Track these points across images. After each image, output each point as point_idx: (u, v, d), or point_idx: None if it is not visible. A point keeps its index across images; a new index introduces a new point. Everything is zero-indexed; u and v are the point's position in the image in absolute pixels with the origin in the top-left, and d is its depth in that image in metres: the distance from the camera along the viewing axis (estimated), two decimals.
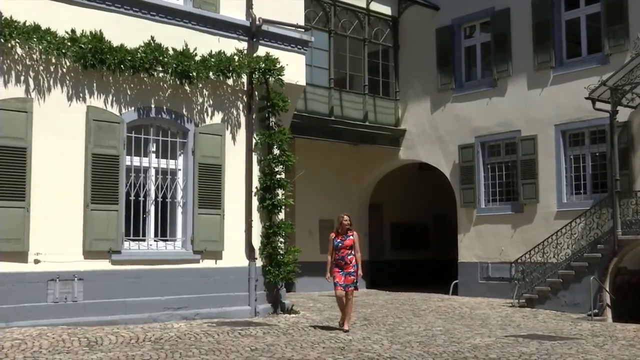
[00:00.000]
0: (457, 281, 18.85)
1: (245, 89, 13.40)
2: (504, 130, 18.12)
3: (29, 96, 10.81)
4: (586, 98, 15.08)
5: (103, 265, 11.37)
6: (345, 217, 11.37)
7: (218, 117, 13.01)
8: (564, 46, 17.33)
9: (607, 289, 14.64)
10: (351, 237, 11.31)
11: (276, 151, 13.58)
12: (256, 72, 13.25)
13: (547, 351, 9.65)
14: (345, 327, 11.27)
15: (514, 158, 17.99)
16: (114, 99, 11.73)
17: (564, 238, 16.09)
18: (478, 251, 18.45)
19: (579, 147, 16.97)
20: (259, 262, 13.20)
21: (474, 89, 18.89)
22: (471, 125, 18.72)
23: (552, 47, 17.23)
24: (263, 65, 13.23)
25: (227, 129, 13.10)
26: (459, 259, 18.99)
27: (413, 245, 23.34)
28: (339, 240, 11.28)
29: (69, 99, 11.25)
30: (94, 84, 11.51)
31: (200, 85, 12.75)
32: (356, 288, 11.41)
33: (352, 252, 11.26)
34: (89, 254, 11.21)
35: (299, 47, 14.18)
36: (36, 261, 10.63)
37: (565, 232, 16.06)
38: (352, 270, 11.18)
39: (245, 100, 13.40)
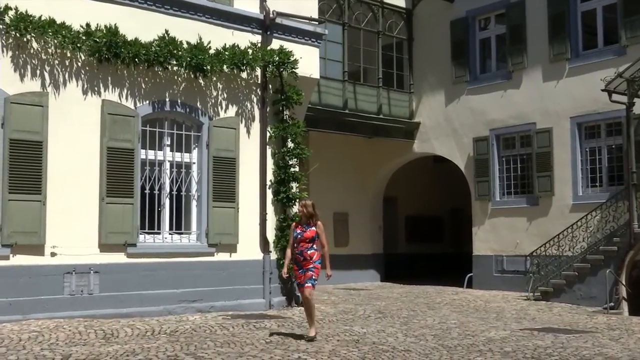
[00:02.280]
0: (471, 274, 18.81)
1: (259, 82, 13.41)
2: (519, 122, 18.02)
3: (45, 90, 10.88)
4: (602, 90, 14.96)
5: (119, 258, 11.44)
6: (308, 203, 9.73)
7: (232, 111, 13.03)
8: (579, 37, 17.18)
9: (623, 282, 14.55)
10: (314, 228, 9.56)
11: (290, 144, 13.59)
12: (270, 65, 13.25)
13: (563, 344, 9.62)
14: (311, 333, 9.54)
15: (529, 151, 17.89)
16: (129, 92, 11.77)
17: (579, 231, 16.00)
18: (493, 244, 18.39)
19: (594, 139, 16.85)
20: (273, 255, 13.23)
21: (489, 81, 18.79)
22: (486, 118, 18.63)
23: (568, 39, 17.09)
24: (277, 58, 13.22)
25: (241, 122, 13.12)
26: (473, 252, 18.93)
27: (427, 238, 23.31)
28: (298, 232, 9.56)
29: (84, 92, 11.31)
30: (109, 78, 11.56)
31: (215, 78, 12.78)
32: (313, 285, 9.49)
33: (314, 246, 9.50)
34: (104, 247, 11.28)
35: (312, 40, 14.17)
36: (52, 254, 10.71)
37: (581, 225, 15.97)
38: (311, 266, 9.40)
39: (259, 93, 13.41)
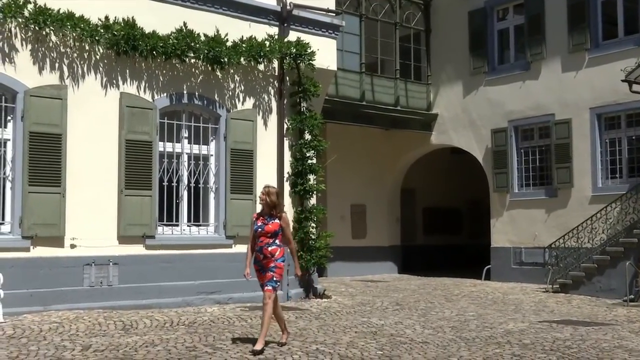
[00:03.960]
0: (489, 266, 18.74)
1: (277, 74, 13.40)
2: (537, 114, 17.89)
3: (64, 83, 10.95)
4: (622, 80, 14.79)
5: (137, 250, 11.52)
6: (271, 190, 8.17)
7: (249, 103, 13.05)
8: (599, 27, 16.99)
9: None
10: (277, 220, 8.13)
11: (308, 136, 13.59)
12: (287, 57, 13.24)
13: (582, 337, 9.57)
14: (283, 339, 8.47)
15: (548, 142, 17.76)
16: (147, 85, 11.82)
17: (599, 223, 15.88)
18: (511, 236, 18.31)
19: (614, 130, 16.69)
20: None
21: (507, 72, 18.66)
22: (504, 109, 18.51)
23: (588, 29, 16.91)
24: (294, 50, 13.21)
25: (259, 114, 13.14)
26: (491, 244, 18.86)
27: (445, 230, 23.23)
28: (259, 224, 8.12)
29: (103, 85, 11.37)
30: (127, 71, 11.61)
31: (232, 70, 12.79)
32: (276, 290, 8.10)
33: (277, 241, 8.08)
34: (123, 238, 11.35)
35: (330, 31, 14.14)
36: (72, 246, 10.80)
37: (600, 217, 15.85)
38: (272, 266, 8.03)
39: (277, 85, 13.41)
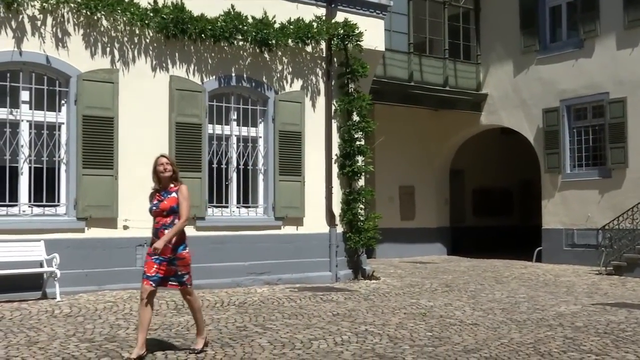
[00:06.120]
0: (540, 248, 18.48)
1: (324, 55, 13.37)
2: (591, 92, 17.47)
3: (115, 67, 11.11)
4: None
5: (188, 231, 11.33)
6: (163, 160, 6.78)
7: (297, 85, 13.05)
8: None
9: None
10: (174, 194, 6.73)
11: (356, 118, 13.54)
12: (335, 39, 13.19)
13: (637, 320, 9.37)
14: (198, 345, 6.90)
15: (602, 121, 17.35)
16: (196, 68, 11.92)
17: None
18: (563, 217, 17.99)
19: None
20: (339, 229, 13.28)
21: (559, 50, 18.24)
22: (556, 88, 18.14)
23: None
24: (342, 31, 13.15)
25: (307, 95, 13.14)
26: (543, 225, 18.57)
27: (495, 211, 22.98)
28: (155, 202, 6.77)
29: (153, 69, 11.50)
30: (176, 54, 11.72)
31: (280, 52, 12.80)
32: (187, 285, 6.81)
33: (176, 220, 6.65)
34: None
35: (377, 11, 14.03)
36: (125, 227, 11.00)
37: None
38: (171, 256, 6.62)
39: (324, 66, 13.38)
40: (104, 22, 11.02)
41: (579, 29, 17.82)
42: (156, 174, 6.76)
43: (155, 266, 6.55)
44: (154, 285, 6.54)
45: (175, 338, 7.56)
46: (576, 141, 17.99)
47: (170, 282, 6.71)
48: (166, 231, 6.56)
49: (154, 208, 6.71)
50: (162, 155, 6.88)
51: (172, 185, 6.75)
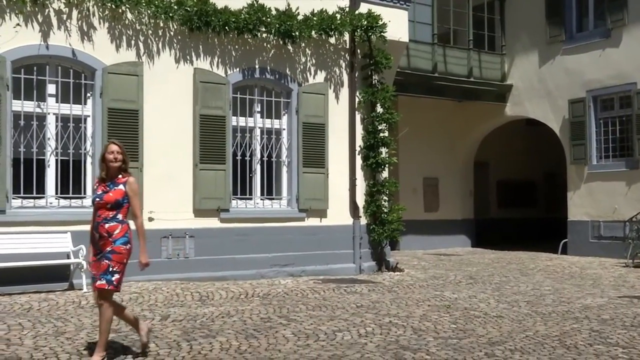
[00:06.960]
0: (566, 240, 18.32)
1: (348, 47, 13.34)
2: (618, 83, 17.24)
3: (140, 60, 11.18)
4: None
5: (212, 223, 11.74)
6: (113, 148, 6.13)
7: (321, 76, 13.04)
8: None
9: None
10: (121, 186, 6.13)
11: (379, 109, 13.50)
12: (358, 30, 13.14)
13: None
14: (96, 357, 5.97)
15: (629, 112, 17.12)
16: (219, 60, 11.95)
17: None
18: (589, 209, 17.81)
19: None
20: (363, 221, 13.27)
21: (586, 40, 18.02)
22: (582, 79, 17.92)
23: None
24: (365, 22, 13.10)
25: (330, 87, 13.12)
26: (568, 217, 18.39)
27: (520, 203, 22.83)
28: (99, 193, 6.14)
29: (177, 61, 11.56)
30: (200, 46, 11.76)
31: (303, 44, 12.79)
32: (115, 286, 5.99)
33: (119, 215, 6.08)
34: (198, 212, 11.59)
35: (401, 2, 13.95)
36: (150, 219, 11.07)
37: None
38: (108, 249, 6.01)
39: (348, 58, 13.35)
40: (129, 15, 11.09)
41: (606, 19, 17.58)
42: (105, 162, 6.13)
43: (97, 265, 6.09)
44: (106, 283, 5.98)
45: (200, 329, 7.61)
46: (602, 132, 17.78)
47: (98, 282, 5.96)
48: (107, 225, 6.00)
49: (98, 199, 6.08)
50: (113, 143, 6.23)
51: (120, 177, 6.14)
